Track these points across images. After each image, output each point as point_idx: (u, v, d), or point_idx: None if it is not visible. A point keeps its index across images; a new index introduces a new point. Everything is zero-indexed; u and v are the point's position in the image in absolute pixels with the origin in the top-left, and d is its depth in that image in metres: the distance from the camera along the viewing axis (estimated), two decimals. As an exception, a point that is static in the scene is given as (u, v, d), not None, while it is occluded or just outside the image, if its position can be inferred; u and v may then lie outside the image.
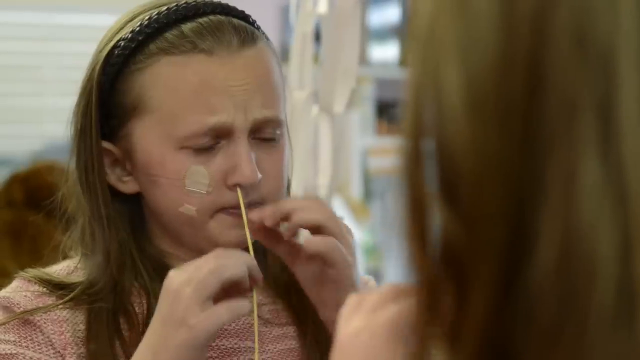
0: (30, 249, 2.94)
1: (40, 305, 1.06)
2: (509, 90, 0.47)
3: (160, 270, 1.07)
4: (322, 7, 1.82)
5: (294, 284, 1.08)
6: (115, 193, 1.09)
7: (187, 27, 1.04)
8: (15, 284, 1.09)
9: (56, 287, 1.08)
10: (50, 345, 1.05)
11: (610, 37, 0.45)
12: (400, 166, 0.51)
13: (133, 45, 1.05)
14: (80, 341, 1.05)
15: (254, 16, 1.12)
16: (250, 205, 1.04)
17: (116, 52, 1.06)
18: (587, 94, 0.45)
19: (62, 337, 1.05)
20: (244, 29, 1.06)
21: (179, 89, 1.03)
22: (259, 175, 1.03)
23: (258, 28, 1.10)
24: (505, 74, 0.47)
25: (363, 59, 3.98)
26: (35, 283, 1.08)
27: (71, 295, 1.06)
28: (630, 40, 0.46)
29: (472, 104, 0.47)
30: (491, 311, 0.47)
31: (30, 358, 1.03)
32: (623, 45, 0.45)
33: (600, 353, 0.46)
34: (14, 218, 3.01)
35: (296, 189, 1.68)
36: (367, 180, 3.99)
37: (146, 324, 1.02)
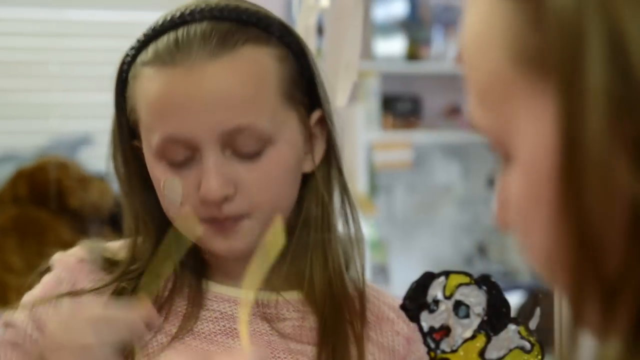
0: (36, 245, 2.95)
1: (91, 277, 1.11)
2: None
3: (191, 257, 1.09)
4: (325, 1, 1.82)
5: (335, 302, 1.09)
6: None
7: (164, 38, 1.04)
8: (75, 250, 1.14)
9: (108, 262, 1.12)
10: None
11: None
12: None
13: (133, 54, 1.07)
14: None
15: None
16: (228, 219, 1.04)
17: (126, 59, 1.08)
18: None
19: None
20: (222, 35, 1.03)
21: (148, 102, 1.04)
22: (225, 191, 1.02)
23: (266, 27, 1.07)
24: None
25: (368, 53, 3.97)
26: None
27: (114, 276, 1.10)
28: None
29: None
30: None
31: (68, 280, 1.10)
32: None
33: None
34: (20, 214, 3.01)
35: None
36: (373, 174, 3.99)
37: (165, 306, 1.08)
